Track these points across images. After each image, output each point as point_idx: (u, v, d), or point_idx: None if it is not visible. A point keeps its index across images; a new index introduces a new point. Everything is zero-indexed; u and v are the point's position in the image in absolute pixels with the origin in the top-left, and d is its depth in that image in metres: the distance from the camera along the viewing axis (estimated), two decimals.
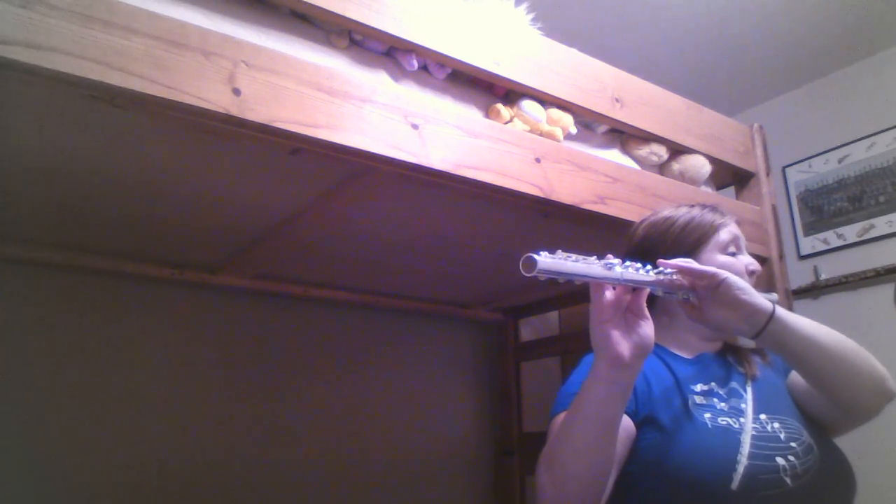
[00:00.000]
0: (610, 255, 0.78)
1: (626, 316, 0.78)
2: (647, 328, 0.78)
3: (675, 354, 1.03)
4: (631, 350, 0.76)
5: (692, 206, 1.09)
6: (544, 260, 0.70)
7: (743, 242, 1.07)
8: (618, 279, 0.76)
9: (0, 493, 1.49)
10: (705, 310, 0.91)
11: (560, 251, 0.73)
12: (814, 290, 2.49)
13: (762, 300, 0.90)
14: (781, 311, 0.90)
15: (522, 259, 0.70)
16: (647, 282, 0.82)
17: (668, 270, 0.87)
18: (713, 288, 0.89)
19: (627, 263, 0.79)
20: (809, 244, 2.59)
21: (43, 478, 1.57)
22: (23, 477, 1.54)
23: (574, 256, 0.73)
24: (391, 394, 2.17)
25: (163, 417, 1.76)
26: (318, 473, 1.96)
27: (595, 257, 0.76)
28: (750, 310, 0.89)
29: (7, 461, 1.52)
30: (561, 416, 0.88)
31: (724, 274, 0.89)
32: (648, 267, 0.84)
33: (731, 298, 0.89)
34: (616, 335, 0.76)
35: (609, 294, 0.76)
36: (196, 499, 1.76)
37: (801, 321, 0.91)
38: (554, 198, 1.21)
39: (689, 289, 0.90)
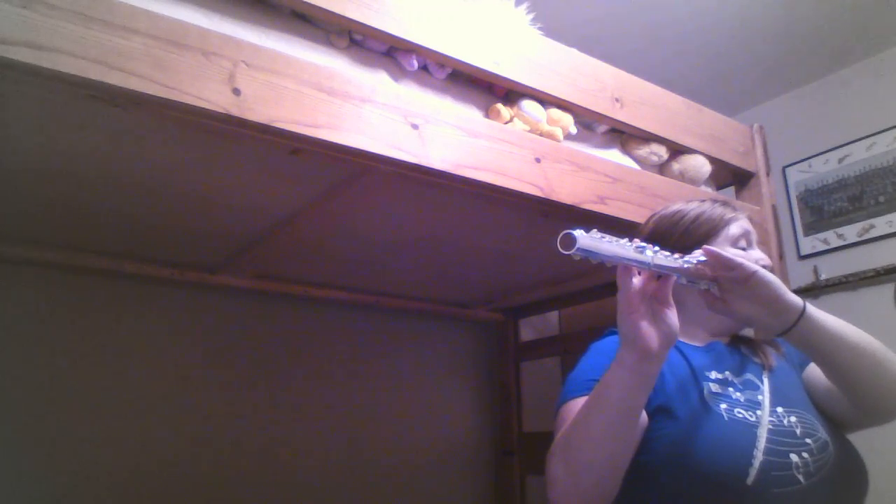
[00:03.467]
0: (637, 239, 0.77)
1: (652, 304, 0.76)
2: (673, 317, 0.76)
3: (687, 343, 1.01)
4: (659, 340, 0.75)
5: (703, 200, 1.08)
6: (584, 238, 0.67)
7: (754, 238, 1.06)
8: (649, 264, 0.75)
9: (0, 493, 1.49)
10: (731, 302, 0.89)
11: (595, 230, 0.70)
12: (814, 290, 2.49)
13: (794, 297, 0.88)
14: (812, 309, 0.88)
15: (561, 235, 0.67)
16: (675, 268, 0.80)
17: (695, 259, 0.85)
18: (741, 281, 0.87)
19: (657, 248, 0.77)
20: (809, 244, 2.59)
21: (43, 477, 1.57)
22: (23, 476, 1.54)
23: (608, 238, 0.71)
24: (391, 393, 2.17)
25: (162, 417, 1.75)
26: (318, 472, 1.96)
27: (626, 239, 0.74)
28: (781, 306, 0.86)
29: (7, 461, 1.52)
30: (573, 403, 0.87)
31: (755, 267, 0.86)
32: (677, 255, 0.82)
33: (763, 294, 0.86)
34: (645, 325, 0.75)
35: (636, 281, 0.75)
36: (196, 498, 1.76)
37: (830, 319, 0.89)
38: (554, 198, 1.21)
39: (711, 279, 0.88)
